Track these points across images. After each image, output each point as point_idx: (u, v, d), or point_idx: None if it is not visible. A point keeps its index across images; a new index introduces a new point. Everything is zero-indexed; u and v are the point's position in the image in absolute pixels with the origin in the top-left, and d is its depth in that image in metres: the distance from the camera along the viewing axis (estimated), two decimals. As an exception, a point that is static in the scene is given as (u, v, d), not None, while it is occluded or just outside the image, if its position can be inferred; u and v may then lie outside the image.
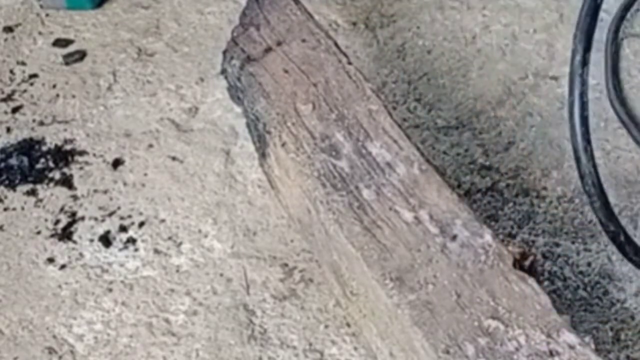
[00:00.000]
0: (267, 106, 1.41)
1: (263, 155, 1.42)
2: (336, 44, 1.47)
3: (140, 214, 1.54)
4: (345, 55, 1.45)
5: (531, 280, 1.09)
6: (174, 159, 1.63)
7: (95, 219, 1.54)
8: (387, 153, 1.28)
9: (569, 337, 1.01)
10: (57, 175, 1.62)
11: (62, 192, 1.59)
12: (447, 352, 1.05)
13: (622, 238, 1.32)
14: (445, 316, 1.06)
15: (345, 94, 1.37)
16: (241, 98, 1.51)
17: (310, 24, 1.51)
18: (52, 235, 1.52)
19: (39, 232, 1.53)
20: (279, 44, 1.49)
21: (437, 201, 1.20)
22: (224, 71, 1.58)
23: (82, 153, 1.65)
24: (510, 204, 1.47)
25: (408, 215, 1.20)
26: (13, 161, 1.65)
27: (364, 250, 1.17)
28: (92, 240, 1.50)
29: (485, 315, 1.05)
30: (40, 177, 1.62)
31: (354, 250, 1.19)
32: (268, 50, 1.49)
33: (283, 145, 1.35)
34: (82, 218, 1.54)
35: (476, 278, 1.09)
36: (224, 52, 1.57)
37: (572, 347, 0.99)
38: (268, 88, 1.43)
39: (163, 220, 1.52)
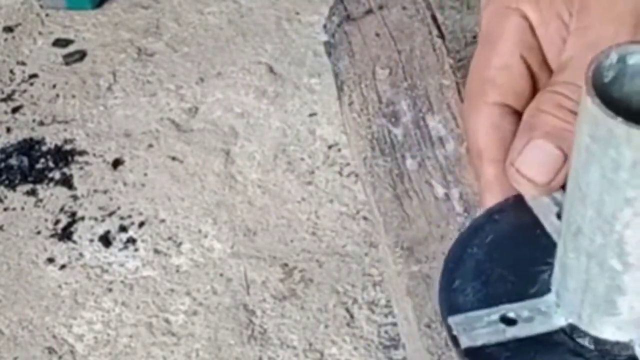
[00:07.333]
0: (348, 65, 1.44)
1: (341, 112, 1.46)
2: (433, 16, 1.49)
3: (140, 214, 1.54)
4: (438, 28, 1.47)
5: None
6: (174, 159, 1.63)
7: (95, 219, 1.54)
8: (443, 128, 1.30)
9: None
10: (57, 175, 1.62)
11: (62, 192, 1.59)
12: (429, 327, 1.06)
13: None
14: None
15: (424, 65, 1.39)
16: (332, 54, 1.53)
17: None
18: (52, 235, 1.52)
19: (39, 232, 1.53)
20: (380, 7, 1.52)
21: (472, 182, 1.21)
22: (324, 26, 1.60)
23: (82, 153, 1.65)
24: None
25: (440, 191, 1.22)
26: (13, 161, 1.65)
27: (386, 217, 1.19)
28: (92, 240, 1.50)
29: None
30: (40, 177, 1.62)
31: (378, 214, 1.21)
32: (368, 12, 1.52)
33: (350, 104, 1.38)
34: (82, 218, 1.54)
35: None
36: (331, 8, 1.59)
37: None
38: (355, 48, 1.46)
39: (163, 220, 1.52)
